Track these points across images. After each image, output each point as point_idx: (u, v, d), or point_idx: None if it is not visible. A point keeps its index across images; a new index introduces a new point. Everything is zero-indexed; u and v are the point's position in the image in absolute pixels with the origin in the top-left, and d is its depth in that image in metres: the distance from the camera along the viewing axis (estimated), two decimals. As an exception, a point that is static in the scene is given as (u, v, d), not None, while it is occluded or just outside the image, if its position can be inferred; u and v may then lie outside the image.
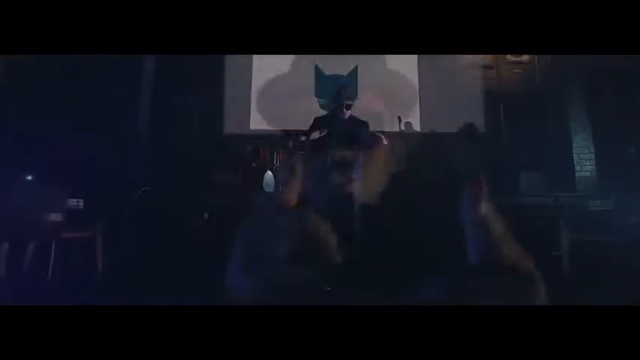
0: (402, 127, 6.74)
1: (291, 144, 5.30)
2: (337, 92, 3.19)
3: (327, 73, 8.21)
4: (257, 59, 8.13)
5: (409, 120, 7.52)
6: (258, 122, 7.96)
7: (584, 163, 7.10)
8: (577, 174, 7.03)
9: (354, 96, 7.91)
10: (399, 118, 6.69)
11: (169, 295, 2.45)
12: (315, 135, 2.29)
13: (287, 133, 5.95)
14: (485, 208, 1.22)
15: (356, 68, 8.20)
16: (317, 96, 8.11)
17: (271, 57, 7.89)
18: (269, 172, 5.94)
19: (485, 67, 7.88)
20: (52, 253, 3.31)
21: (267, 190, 5.63)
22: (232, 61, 7.88)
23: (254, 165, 6.21)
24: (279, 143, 6.18)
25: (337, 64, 8.15)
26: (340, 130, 2.33)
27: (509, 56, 7.86)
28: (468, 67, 7.86)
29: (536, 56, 7.82)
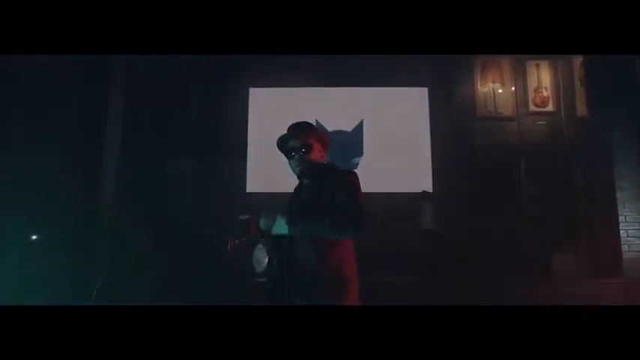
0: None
1: None
2: None
3: (330, 128, 7.50)
4: (253, 115, 7.61)
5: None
6: (255, 185, 7.37)
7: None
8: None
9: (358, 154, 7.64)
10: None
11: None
12: None
13: None
14: None
15: (361, 123, 7.63)
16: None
17: (268, 112, 7.39)
18: (260, 246, 4.91)
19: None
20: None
21: (257, 268, 4.67)
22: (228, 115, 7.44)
23: (244, 240, 4.88)
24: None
25: (340, 118, 7.55)
26: None
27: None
28: (484, 118, 7.50)
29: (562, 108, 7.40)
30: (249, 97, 7.79)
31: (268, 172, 7.13)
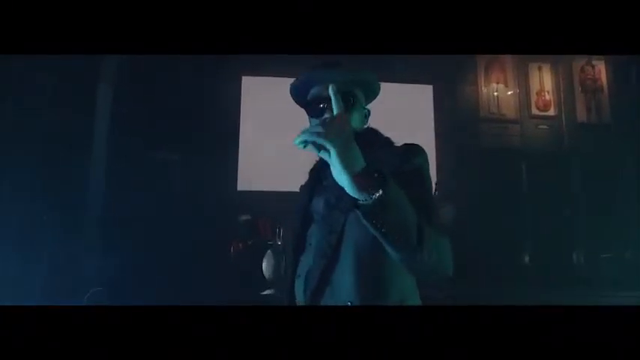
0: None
1: None
2: None
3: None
4: (245, 99, 6.92)
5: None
6: (246, 183, 6.69)
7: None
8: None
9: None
10: None
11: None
12: None
13: None
14: None
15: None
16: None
17: (262, 99, 6.77)
18: (270, 253, 4.22)
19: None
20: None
21: (267, 275, 4.07)
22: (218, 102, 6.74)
23: (250, 243, 4.66)
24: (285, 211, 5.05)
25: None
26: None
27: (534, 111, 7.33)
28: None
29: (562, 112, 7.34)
30: (242, 87, 7.20)
31: (262, 168, 6.66)
